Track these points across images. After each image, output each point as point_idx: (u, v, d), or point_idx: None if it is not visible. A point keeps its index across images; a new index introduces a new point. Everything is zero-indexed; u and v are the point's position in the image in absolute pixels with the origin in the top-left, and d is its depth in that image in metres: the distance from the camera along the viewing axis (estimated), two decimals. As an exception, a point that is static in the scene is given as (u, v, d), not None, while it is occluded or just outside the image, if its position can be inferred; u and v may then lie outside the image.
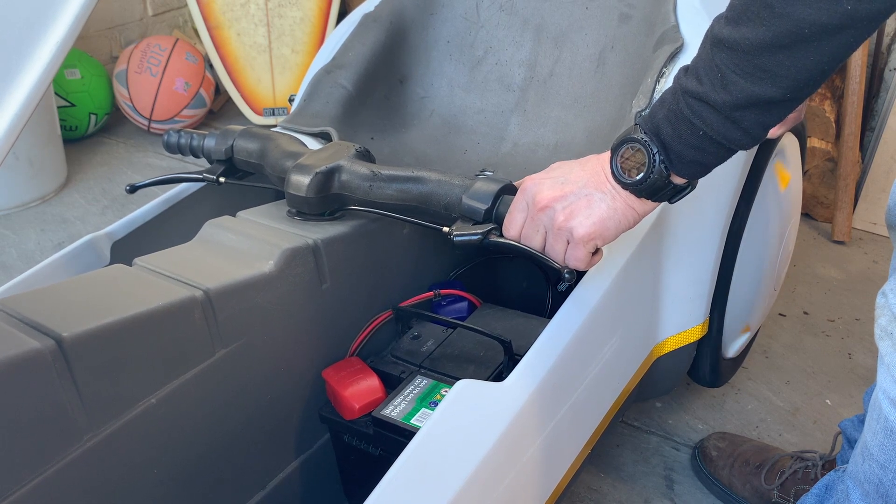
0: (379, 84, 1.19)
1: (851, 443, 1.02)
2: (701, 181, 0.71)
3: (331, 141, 1.06)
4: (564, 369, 0.80)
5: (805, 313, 1.61)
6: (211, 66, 2.36)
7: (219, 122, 2.49)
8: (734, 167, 1.03)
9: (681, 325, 1.06)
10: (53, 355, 0.60)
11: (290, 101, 1.20)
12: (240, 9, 2.25)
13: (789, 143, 1.24)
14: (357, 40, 1.18)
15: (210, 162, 0.97)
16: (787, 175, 1.24)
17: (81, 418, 0.64)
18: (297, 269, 0.80)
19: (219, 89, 2.48)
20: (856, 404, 1.36)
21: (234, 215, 0.88)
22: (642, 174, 0.68)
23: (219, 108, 2.54)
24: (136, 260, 0.78)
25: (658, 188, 0.69)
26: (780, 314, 1.59)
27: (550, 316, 0.99)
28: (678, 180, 0.69)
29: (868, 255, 1.82)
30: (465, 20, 1.22)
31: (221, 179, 0.95)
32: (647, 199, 0.70)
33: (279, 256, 0.78)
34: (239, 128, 0.96)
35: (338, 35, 1.24)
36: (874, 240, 1.89)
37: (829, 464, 1.10)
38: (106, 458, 0.66)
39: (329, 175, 0.85)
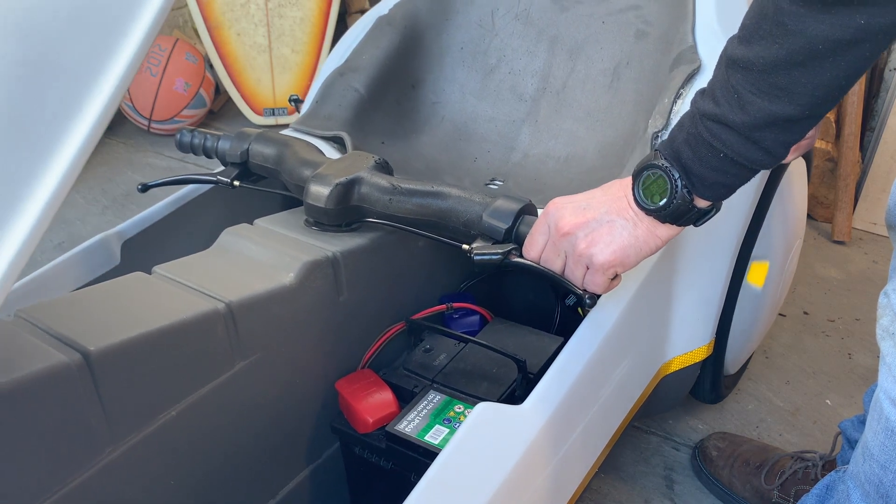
0: (391, 88, 1.17)
1: (851, 443, 1.02)
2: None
3: (343, 145, 1.06)
4: (580, 392, 0.80)
5: (805, 313, 1.61)
6: (211, 66, 2.35)
7: (219, 122, 2.48)
8: (747, 189, 1.03)
9: (687, 345, 1.06)
10: (80, 369, 0.61)
11: (290, 101, 1.18)
12: (240, 9, 2.24)
13: (796, 164, 1.22)
14: (370, 43, 1.16)
15: (224, 164, 0.97)
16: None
17: (104, 431, 0.64)
18: (316, 282, 0.80)
19: (219, 89, 2.47)
20: (856, 404, 1.36)
21: (245, 219, 0.88)
22: (665, 200, 0.67)
23: (219, 108, 2.53)
24: (156, 268, 0.78)
25: (682, 213, 0.68)
26: (780, 314, 1.59)
27: (558, 330, 0.99)
28: (702, 203, 0.68)
29: (868, 255, 1.82)
30: (479, 27, 1.20)
31: (236, 183, 0.94)
32: (672, 223, 0.70)
33: (300, 269, 0.78)
34: (255, 131, 0.95)
35: (351, 37, 1.23)
36: (874, 240, 1.89)
37: (829, 464, 1.10)
38: (124, 469, 0.67)
39: (349, 186, 0.84)
